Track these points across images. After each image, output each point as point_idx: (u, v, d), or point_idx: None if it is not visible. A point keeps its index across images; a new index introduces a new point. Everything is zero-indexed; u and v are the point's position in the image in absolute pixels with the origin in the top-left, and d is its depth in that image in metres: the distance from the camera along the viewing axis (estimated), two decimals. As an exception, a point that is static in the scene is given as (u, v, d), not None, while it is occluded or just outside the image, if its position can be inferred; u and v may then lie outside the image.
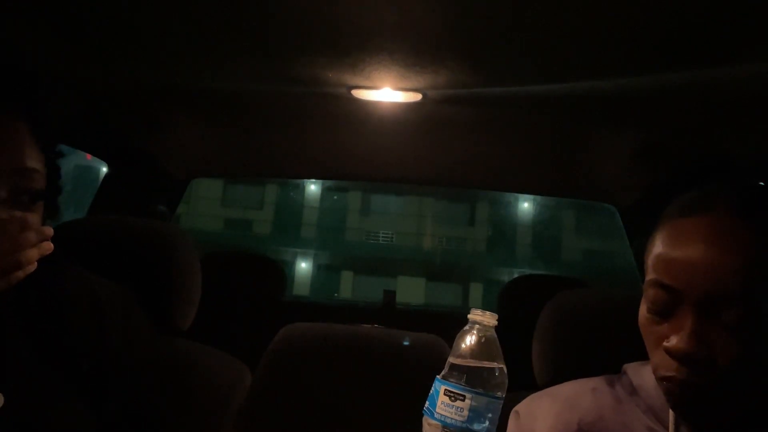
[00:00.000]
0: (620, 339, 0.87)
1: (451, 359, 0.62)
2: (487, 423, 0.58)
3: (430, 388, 0.63)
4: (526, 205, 16.75)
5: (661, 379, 0.62)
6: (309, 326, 1.25)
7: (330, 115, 1.31)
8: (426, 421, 0.60)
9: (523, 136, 1.41)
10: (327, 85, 1.09)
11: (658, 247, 0.64)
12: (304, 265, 16.83)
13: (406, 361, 1.17)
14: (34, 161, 0.76)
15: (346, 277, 16.61)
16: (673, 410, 0.65)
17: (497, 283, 15.02)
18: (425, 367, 1.21)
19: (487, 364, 0.60)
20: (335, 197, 16.98)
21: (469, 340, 0.62)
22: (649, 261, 0.65)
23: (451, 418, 0.58)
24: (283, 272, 2.27)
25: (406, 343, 1.18)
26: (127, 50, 1.01)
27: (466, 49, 0.91)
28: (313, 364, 1.17)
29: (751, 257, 0.57)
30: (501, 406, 0.60)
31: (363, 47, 0.91)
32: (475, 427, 0.57)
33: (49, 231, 0.72)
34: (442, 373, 0.62)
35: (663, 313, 0.62)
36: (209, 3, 0.81)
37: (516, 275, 2.55)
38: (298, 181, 16.12)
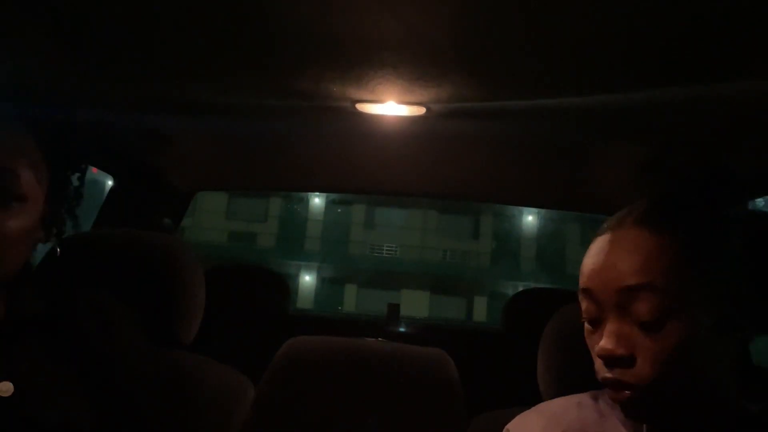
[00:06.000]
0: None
1: None
2: None
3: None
4: (530, 218, 16.74)
5: (602, 383, 0.68)
6: (313, 339, 1.25)
7: (334, 128, 1.31)
8: None
9: (526, 149, 1.41)
10: (331, 99, 1.10)
11: (583, 261, 0.72)
12: (308, 278, 16.82)
13: (410, 375, 1.17)
14: (12, 162, 0.76)
15: (350, 290, 16.59)
16: (624, 416, 0.69)
17: (501, 296, 14.97)
18: (429, 381, 1.21)
19: None
20: (339, 210, 17.00)
21: None
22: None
23: None
24: (286, 285, 2.27)
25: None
26: (132, 64, 1.02)
27: (470, 64, 0.91)
28: (317, 377, 1.16)
29: (651, 256, 0.64)
30: None
31: (367, 61, 0.92)
32: None
33: None
34: None
35: (593, 321, 0.69)
36: (214, 17, 0.82)
37: (520, 289, 2.54)
38: (302, 194, 16.15)
